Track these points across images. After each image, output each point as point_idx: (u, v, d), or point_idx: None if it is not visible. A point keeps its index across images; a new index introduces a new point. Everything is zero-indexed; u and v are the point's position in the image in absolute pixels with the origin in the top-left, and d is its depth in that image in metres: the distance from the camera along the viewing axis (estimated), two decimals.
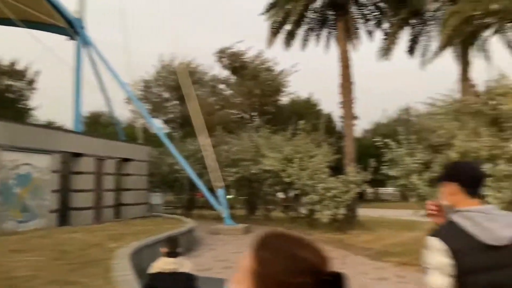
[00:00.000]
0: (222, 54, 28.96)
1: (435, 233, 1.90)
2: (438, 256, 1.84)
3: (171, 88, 31.03)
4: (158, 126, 24.11)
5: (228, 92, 30.26)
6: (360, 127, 40.48)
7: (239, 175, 18.42)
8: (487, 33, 17.60)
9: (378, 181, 23.60)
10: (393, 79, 70.61)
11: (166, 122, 34.27)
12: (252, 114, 29.71)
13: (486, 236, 1.82)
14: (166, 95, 33.50)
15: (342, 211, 14.94)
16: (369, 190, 36.93)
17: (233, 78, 29.94)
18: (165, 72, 32.15)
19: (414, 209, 10.38)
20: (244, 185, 20.26)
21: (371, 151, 15.92)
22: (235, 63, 28.66)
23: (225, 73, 30.75)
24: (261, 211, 21.10)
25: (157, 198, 21.69)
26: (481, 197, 1.97)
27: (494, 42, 18.65)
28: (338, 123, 29.15)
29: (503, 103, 9.39)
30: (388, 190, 36.81)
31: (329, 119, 31.06)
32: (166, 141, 17.71)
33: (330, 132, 23.27)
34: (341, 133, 19.82)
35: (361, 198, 23.81)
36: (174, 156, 17.87)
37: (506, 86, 9.81)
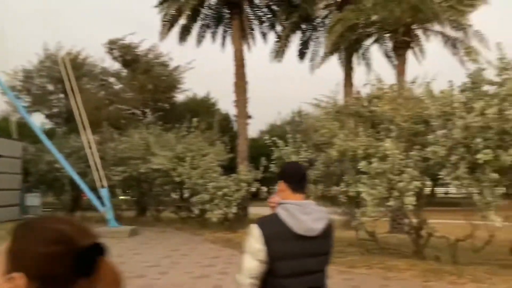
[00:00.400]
0: (112, 45, 27.28)
1: (257, 221, 2.10)
2: (253, 241, 2.02)
3: (56, 80, 28.38)
4: (33, 120, 21.86)
5: (119, 86, 28.64)
6: (257, 128, 41.50)
7: (126, 174, 17.38)
8: (368, 42, 18.99)
9: (272, 180, 24.12)
10: (292, 83, 73.74)
11: (50, 116, 31.37)
12: (145, 110, 28.52)
13: (298, 226, 2.03)
14: (50, 87, 30.63)
15: (233, 210, 14.85)
16: (263, 189, 37.78)
17: (124, 72, 28.40)
18: (49, 62, 29.35)
19: None
20: (133, 185, 19.24)
21: (266, 151, 16.16)
22: (127, 55, 27.19)
23: (116, 66, 29.12)
24: (152, 212, 20.25)
25: (33, 199, 19.60)
26: (304, 193, 2.22)
27: (375, 51, 20.14)
28: (235, 122, 29.27)
29: (378, 106, 10.03)
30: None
31: (225, 118, 31.10)
32: (43, 137, 16.06)
33: (226, 131, 23.20)
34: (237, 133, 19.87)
35: (256, 197, 24.14)
36: (53, 153, 16.28)
37: (381, 90, 10.51)
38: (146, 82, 26.65)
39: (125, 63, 27.92)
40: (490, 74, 8.02)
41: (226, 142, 18.04)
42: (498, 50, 7.70)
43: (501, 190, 7.66)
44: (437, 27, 16.72)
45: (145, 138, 17.86)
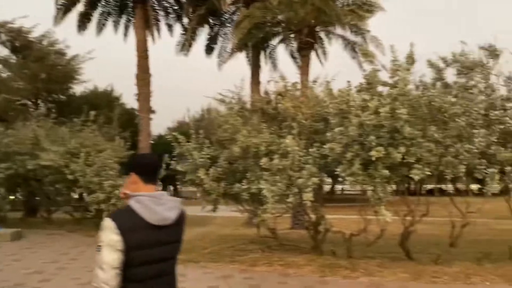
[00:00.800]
0: None
1: (110, 214, 2.10)
2: (109, 234, 2.02)
3: None
4: None
5: (7, 74, 25.73)
6: (166, 124, 40.48)
7: (12, 172, 15.56)
8: (275, 41, 19.25)
9: (174, 178, 23.37)
10: (204, 78, 72.76)
11: None
12: (37, 101, 26.01)
13: (152, 217, 2.07)
14: None
15: None
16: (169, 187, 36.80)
17: (13, 59, 25.58)
18: None
19: (201, 205, 10.30)
20: (20, 183, 17.36)
21: (172, 148, 15.51)
22: (17, 41, 24.51)
23: (4, 52, 26.10)
24: (43, 212, 18.49)
25: None
26: (156, 184, 2.22)
27: (281, 52, 20.44)
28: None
29: (282, 103, 10.05)
30: (190, 188, 37.31)
31: (129, 112, 29.60)
32: None
33: (130, 126, 21.95)
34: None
35: None
36: None
37: (284, 88, 10.56)
38: (39, 70, 24.25)
39: (15, 49, 25.15)
40: (384, 76, 8.40)
41: (127, 137, 17.01)
42: (391, 52, 8.07)
43: (392, 186, 8.05)
44: (338, 30, 17.49)
45: (34, 131, 16.16)
